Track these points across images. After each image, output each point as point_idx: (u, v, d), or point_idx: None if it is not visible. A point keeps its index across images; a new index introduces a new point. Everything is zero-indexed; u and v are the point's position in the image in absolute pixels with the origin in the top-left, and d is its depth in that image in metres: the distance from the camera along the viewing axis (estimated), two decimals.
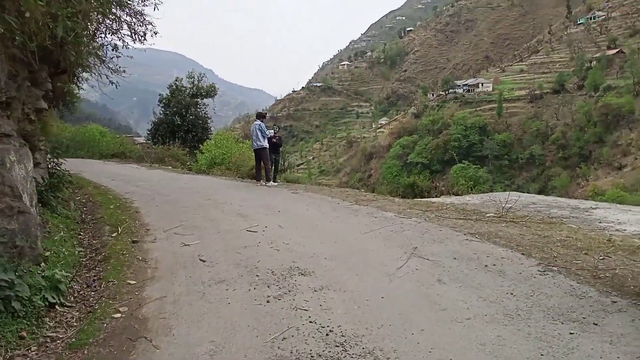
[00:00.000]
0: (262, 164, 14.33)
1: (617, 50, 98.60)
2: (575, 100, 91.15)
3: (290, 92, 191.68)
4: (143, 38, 12.39)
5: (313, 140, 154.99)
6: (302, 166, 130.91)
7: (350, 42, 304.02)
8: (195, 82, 32.70)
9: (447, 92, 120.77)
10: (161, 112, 31.57)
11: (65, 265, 6.31)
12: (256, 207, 10.02)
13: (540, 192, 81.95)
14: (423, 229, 7.31)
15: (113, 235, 7.96)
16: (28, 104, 10.35)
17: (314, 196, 11.21)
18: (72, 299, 5.47)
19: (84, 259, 6.92)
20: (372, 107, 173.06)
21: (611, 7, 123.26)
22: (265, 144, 14.13)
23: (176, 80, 33.04)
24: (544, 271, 5.24)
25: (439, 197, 11.71)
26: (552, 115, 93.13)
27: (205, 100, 32.98)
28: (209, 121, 33.04)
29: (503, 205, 8.55)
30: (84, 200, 12.12)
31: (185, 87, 32.47)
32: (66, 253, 6.76)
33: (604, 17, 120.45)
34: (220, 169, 21.79)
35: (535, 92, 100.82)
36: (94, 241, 7.89)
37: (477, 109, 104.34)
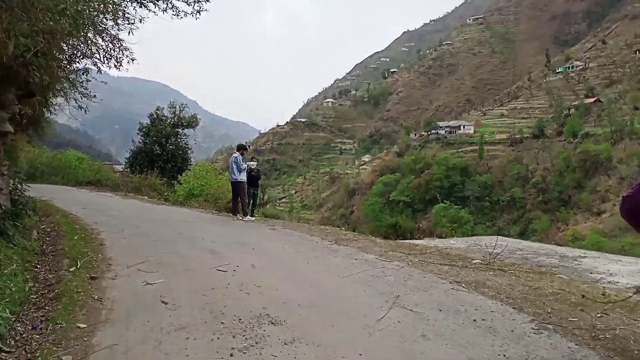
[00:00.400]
0: (238, 197, 13.83)
1: (594, 99, 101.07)
2: (554, 146, 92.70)
3: (275, 126, 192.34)
4: (119, 64, 12.02)
5: (296, 174, 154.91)
6: (284, 200, 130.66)
7: (335, 81, 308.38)
8: (177, 112, 32.31)
9: (429, 133, 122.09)
10: (140, 141, 31.08)
11: (11, 303, 5.69)
12: (230, 244, 9.46)
13: (521, 235, 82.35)
14: (406, 274, 6.82)
15: (71, 269, 7.33)
16: None
17: (292, 233, 10.69)
18: (12, 342, 4.84)
19: (35, 296, 6.28)
20: (356, 144, 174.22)
21: (588, 58, 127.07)
22: (242, 177, 13.68)
23: (157, 109, 32.61)
24: (538, 329, 4.75)
25: (422, 239, 11.29)
26: (532, 159, 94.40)
27: (186, 130, 32.58)
28: (189, 151, 32.65)
29: (490, 251, 8.12)
30: (48, 229, 11.52)
31: (166, 116, 32.07)
32: (14, 289, 6.13)
33: (581, 67, 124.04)
34: (198, 200, 21.25)
35: (516, 136, 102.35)
36: (49, 275, 7.26)
37: (459, 150, 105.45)
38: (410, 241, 10.04)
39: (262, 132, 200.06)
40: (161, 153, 29.94)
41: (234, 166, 13.67)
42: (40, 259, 8.36)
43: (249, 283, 6.52)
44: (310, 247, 9.04)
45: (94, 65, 14.40)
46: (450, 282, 6.34)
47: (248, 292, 6.14)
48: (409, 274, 6.83)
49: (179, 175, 24.74)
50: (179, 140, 32.41)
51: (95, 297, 6.02)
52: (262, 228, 11.68)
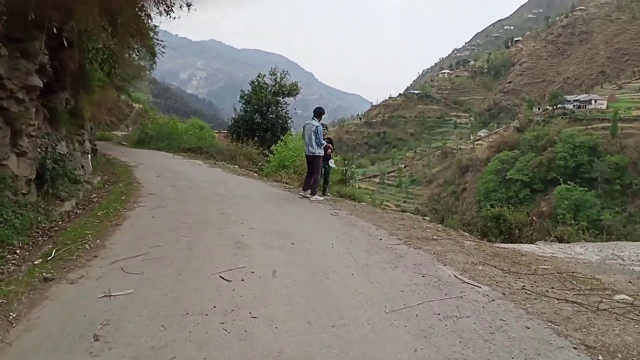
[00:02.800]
0: (312, 174, 11.55)
1: None
2: None
3: (387, 98, 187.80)
4: (169, 9, 10.73)
5: (406, 148, 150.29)
6: (393, 174, 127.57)
7: (453, 51, 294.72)
8: (278, 80, 30.86)
9: (554, 107, 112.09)
10: (242, 109, 30.11)
11: None
12: (268, 234, 7.23)
13: None
14: (496, 316, 4.15)
15: (36, 262, 5.51)
16: (13, 79, 8.30)
17: (356, 223, 8.21)
18: None
19: None
20: (472, 118, 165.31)
21: None
22: (320, 151, 11.33)
23: (259, 76, 31.41)
24: None
25: (533, 241, 8.39)
26: None
27: (287, 99, 31.19)
28: (289, 121, 31.26)
29: None
30: (94, 199, 10.22)
31: (267, 84, 30.81)
32: None
33: None
34: (288, 172, 19.44)
35: None
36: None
37: (588, 127, 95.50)
38: (516, 246, 7.20)
39: (373, 104, 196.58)
40: (261, 122, 28.91)
41: (313, 137, 11.32)
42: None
43: (245, 308, 4.25)
44: (368, 247, 6.54)
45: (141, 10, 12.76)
46: (574, 344, 3.58)
47: (229, 329, 3.84)
48: (502, 315, 4.13)
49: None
50: (279, 109, 31.03)
51: (13, 316, 4.06)
52: (325, 212, 9.31)
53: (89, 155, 14.71)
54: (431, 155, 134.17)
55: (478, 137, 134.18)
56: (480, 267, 5.58)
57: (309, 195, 11.23)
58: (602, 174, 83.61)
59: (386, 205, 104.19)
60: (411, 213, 10.55)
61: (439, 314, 4.14)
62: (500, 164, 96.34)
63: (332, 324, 3.95)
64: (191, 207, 9.60)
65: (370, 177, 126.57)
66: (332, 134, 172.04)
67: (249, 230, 7.46)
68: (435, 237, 7.15)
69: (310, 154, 11.37)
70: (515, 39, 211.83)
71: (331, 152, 12.18)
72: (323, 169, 11.82)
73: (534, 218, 9.47)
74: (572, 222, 9.55)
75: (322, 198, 11.41)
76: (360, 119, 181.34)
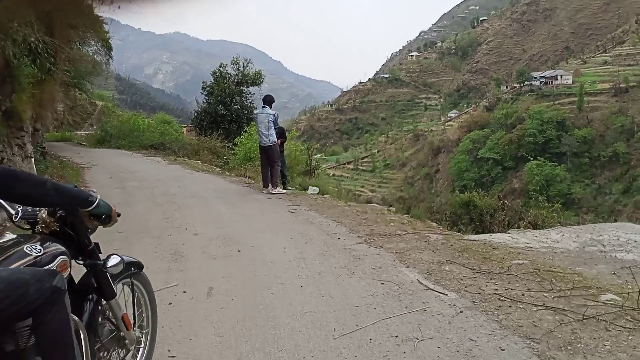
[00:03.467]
0: (270, 166, 10.75)
1: None
2: None
3: (357, 83, 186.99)
4: None
5: (378, 133, 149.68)
6: (366, 159, 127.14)
7: (420, 33, 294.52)
8: (241, 69, 29.83)
9: (522, 85, 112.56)
10: (204, 101, 29.00)
11: None
12: (214, 240, 6.45)
13: (624, 193, 74.54)
14: (464, 335, 3.43)
15: None
16: None
17: (314, 220, 7.47)
18: None
19: None
20: (441, 100, 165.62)
21: None
22: (273, 139, 10.51)
23: (220, 66, 30.32)
24: None
25: (505, 228, 7.74)
26: (638, 111, 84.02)
27: (251, 88, 30.22)
28: (254, 111, 30.20)
29: (632, 269, 4.52)
30: None
31: (229, 74, 29.77)
32: None
33: None
34: (254, 165, 18.60)
35: (621, 85, 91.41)
36: None
37: (555, 102, 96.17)
38: (487, 237, 6.51)
39: (344, 90, 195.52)
40: (225, 113, 27.74)
41: (271, 125, 10.50)
42: None
43: (164, 343, 3.46)
44: (323, 250, 5.80)
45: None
46: None
47: None
48: (471, 337, 3.41)
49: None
50: (244, 99, 30.01)
51: None
52: (281, 209, 8.54)
53: (32, 160, 13.69)
54: (403, 138, 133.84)
55: (449, 118, 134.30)
56: (447, 267, 4.88)
57: (273, 191, 10.45)
58: (570, 148, 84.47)
59: (361, 191, 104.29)
60: (377, 203, 9.77)
61: (396, 337, 3.41)
62: (472, 144, 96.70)
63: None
64: (134, 212, 8.74)
65: (344, 164, 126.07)
66: (304, 122, 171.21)
67: (191, 237, 6.67)
68: (398, 232, 6.45)
69: (269, 145, 10.54)
70: (481, 18, 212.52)
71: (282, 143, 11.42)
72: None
73: (505, 201, 8.85)
74: (545, 203, 8.95)
75: (285, 191, 10.65)
76: (331, 105, 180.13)
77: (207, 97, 28.73)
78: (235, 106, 28.39)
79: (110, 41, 39.17)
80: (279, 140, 10.93)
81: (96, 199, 2.16)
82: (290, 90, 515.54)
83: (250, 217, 7.91)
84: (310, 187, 11.17)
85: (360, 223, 7.16)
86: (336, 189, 13.01)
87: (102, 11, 12.73)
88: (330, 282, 4.66)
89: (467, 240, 6.12)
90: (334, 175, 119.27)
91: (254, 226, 7.27)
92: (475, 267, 4.86)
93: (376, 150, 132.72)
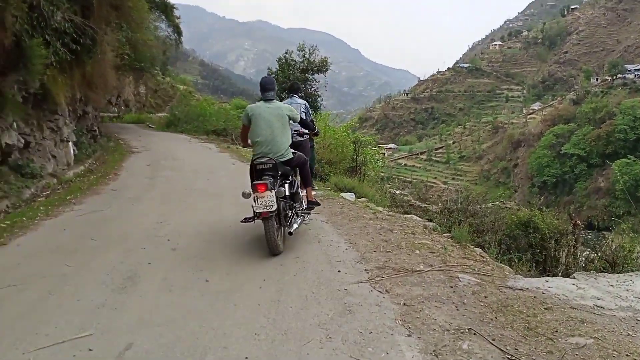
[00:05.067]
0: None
1: None
2: None
3: (435, 72, 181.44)
4: None
5: (455, 123, 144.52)
6: (440, 150, 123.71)
7: (505, 22, 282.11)
8: (307, 56, 28.74)
9: (614, 78, 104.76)
10: None
11: None
12: (186, 260, 5.17)
13: None
14: None
15: None
16: None
17: (323, 238, 5.90)
18: None
19: None
20: (524, 91, 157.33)
21: None
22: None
23: (286, 53, 29.39)
24: None
25: (573, 262, 5.86)
26: None
27: (317, 75, 29.15)
28: (318, 99, 29.24)
29: None
30: None
31: (295, 61, 28.80)
32: None
33: None
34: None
35: None
36: None
37: None
38: (541, 285, 4.66)
39: (421, 79, 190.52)
40: None
41: (305, 115, 8.81)
42: None
43: None
44: (310, 290, 4.30)
45: None
46: None
47: None
48: None
49: None
50: (308, 86, 28.95)
51: None
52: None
53: (70, 144, 13.14)
54: (481, 130, 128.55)
55: (531, 111, 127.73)
56: (466, 344, 3.27)
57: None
58: None
59: (433, 183, 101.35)
60: (417, 216, 8.04)
61: None
62: (555, 138, 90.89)
63: None
64: (133, 212, 7.72)
65: (417, 154, 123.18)
66: (378, 110, 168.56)
67: (166, 254, 5.45)
68: (420, 268, 4.87)
69: (299, 140, 8.87)
70: (572, 6, 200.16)
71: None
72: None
73: (578, 222, 6.96)
74: (628, 223, 6.99)
75: (313, 193, 9.18)
76: (407, 94, 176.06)
77: None
78: (300, 94, 27.46)
79: (180, 26, 39.26)
80: (311, 133, 9.31)
81: None
82: (367, 79, 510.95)
83: (255, 231, 6.56)
84: (345, 192, 9.65)
85: (378, 247, 5.61)
86: (377, 192, 11.35)
87: None
88: (289, 356, 3.23)
89: (511, 288, 4.43)
90: (405, 165, 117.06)
91: (248, 243, 5.92)
92: (509, 347, 3.24)
93: (451, 142, 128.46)
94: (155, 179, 11.50)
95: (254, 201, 5.33)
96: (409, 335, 3.45)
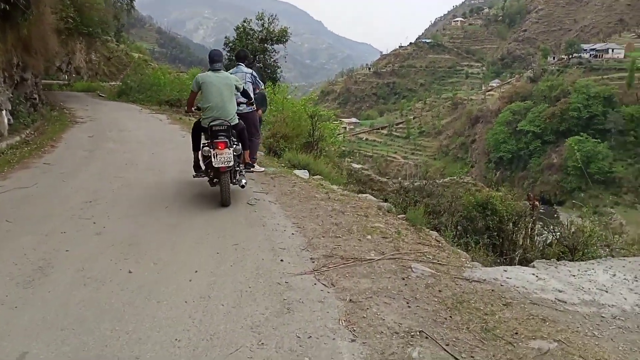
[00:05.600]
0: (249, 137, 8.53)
1: None
2: None
3: (397, 47, 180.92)
4: None
5: (416, 99, 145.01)
6: (401, 125, 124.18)
7: None
8: (266, 25, 27.85)
9: (570, 57, 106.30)
10: (226, 57, 27.08)
11: None
12: (114, 245, 4.60)
13: None
14: None
15: None
16: None
17: (269, 221, 5.40)
18: None
19: None
20: (484, 68, 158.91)
21: None
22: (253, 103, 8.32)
23: (244, 21, 28.41)
24: None
25: (530, 246, 5.55)
26: None
27: (276, 46, 28.38)
28: (278, 70, 28.56)
29: None
30: None
31: (254, 30, 27.91)
32: None
33: None
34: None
35: None
36: None
37: (604, 77, 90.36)
38: (499, 276, 4.30)
39: (383, 53, 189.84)
40: None
41: (251, 87, 8.32)
42: None
43: None
44: (246, 285, 3.80)
45: None
46: None
47: None
48: None
49: None
50: (267, 57, 28.26)
51: None
52: (242, 198, 6.54)
53: (3, 112, 12.14)
54: (441, 106, 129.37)
55: (490, 88, 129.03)
56: (416, 351, 2.87)
57: (252, 169, 8.33)
58: (616, 125, 79.27)
59: (393, 157, 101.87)
60: (373, 195, 7.54)
61: None
62: (512, 115, 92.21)
63: None
64: (64, 189, 7.01)
65: (378, 129, 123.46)
66: (341, 84, 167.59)
67: (89, 239, 4.84)
68: (371, 256, 4.43)
69: (246, 111, 8.30)
70: None
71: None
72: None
73: (536, 203, 6.65)
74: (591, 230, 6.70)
75: (263, 169, 8.64)
76: (369, 69, 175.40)
77: (228, 54, 26.93)
78: (258, 64, 26.92)
79: None
80: (259, 110, 8.81)
81: None
82: (329, 52, 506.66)
83: (194, 212, 5.98)
84: (299, 170, 9.11)
85: (328, 231, 5.14)
86: (333, 169, 10.86)
87: None
88: None
89: (467, 280, 4.04)
90: (367, 140, 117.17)
91: (184, 226, 5.35)
92: (464, 355, 2.84)
93: (412, 117, 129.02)
94: (95, 152, 10.73)
95: (214, 157, 5.95)
96: (353, 340, 3.01)
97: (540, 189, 75.11)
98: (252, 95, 8.01)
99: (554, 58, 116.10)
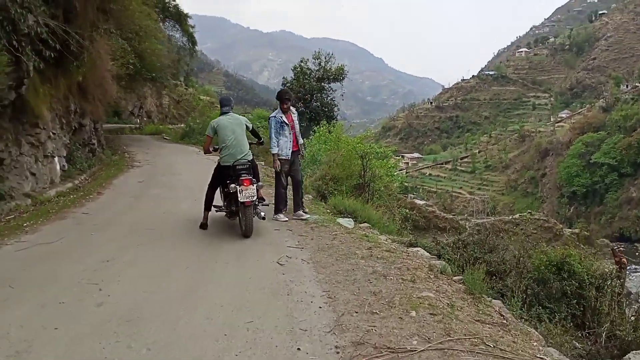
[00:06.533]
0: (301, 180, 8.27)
1: None
2: None
3: (459, 80, 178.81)
4: None
5: (481, 132, 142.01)
6: (466, 159, 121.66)
7: (532, 28, 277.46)
8: (322, 64, 27.79)
9: None
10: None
11: None
12: (112, 319, 3.92)
13: None
14: None
15: None
16: None
17: (295, 288, 4.62)
18: None
19: None
20: (552, 99, 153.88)
21: None
22: (283, 150, 8.20)
23: (301, 61, 28.52)
24: None
25: (619, 320, 4.40)
26: None
27: (333, 84, 28.21)
28: (335, 108, 28.26)
29: None
30: None
31: (311, 69, 27.89)
32: None
33: None
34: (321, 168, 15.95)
35: None
36: None
37: None
38: None
39: (445, 87, 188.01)
40: (304, 111, 26.03)
41: (297, 126, 8.20)
42: None
43: None
44: None
45: None
46: None
47: None
48: None
49: None
50: (324, 95, 28.14)
51: None
52: (273, 255, 5.81)
53: (55, 159, 12.11)
54: (507, 139, 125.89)
55: (559, 119, 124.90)
56: None
57: (303, 216, 7.91)
58: None
59: (459, 193, 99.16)
60: (424, 248, 6.60)
61: None
62: (584, 147, 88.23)
63: None
64: (87, 245, 6.52)
65: (442, 164, 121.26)
66: (402, 119, 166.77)
67: (85, 310, 4.20)
68: (413, 346, 3.50)
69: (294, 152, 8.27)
70: (600, 12, 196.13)
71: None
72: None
73: (623, 259, 5.51)
74: None
75: (286, 219, 7.94)
76: (431, 103, 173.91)
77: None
78: (315, 103, 26.78)
79: (194, 35, 38.48)
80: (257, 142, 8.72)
81: None
82: (390, 87, 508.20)
83: (214, 277, 5.27)
84: (344, 217, 8.31)
85: (363, 303, 4.26)
86: (384, 213, 9.97)
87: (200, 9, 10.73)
88: None
89: None
90: (430, 175, 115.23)
91: (197, 296, 4.63)
92: None
93: (477, 151, 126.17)
94: (140, 199, 10.50)
95: (240, 193, 6.69)
96: None
97: (619, 225, 70.88)
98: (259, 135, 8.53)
99: (627, 86, 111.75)
